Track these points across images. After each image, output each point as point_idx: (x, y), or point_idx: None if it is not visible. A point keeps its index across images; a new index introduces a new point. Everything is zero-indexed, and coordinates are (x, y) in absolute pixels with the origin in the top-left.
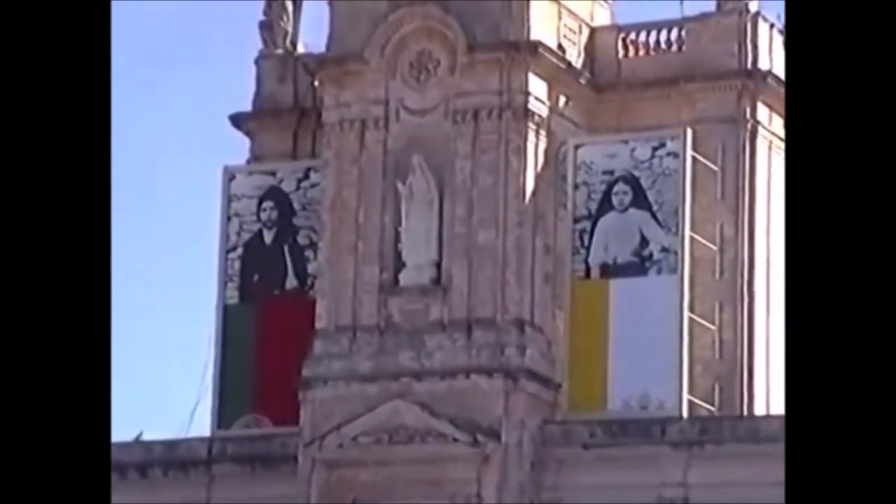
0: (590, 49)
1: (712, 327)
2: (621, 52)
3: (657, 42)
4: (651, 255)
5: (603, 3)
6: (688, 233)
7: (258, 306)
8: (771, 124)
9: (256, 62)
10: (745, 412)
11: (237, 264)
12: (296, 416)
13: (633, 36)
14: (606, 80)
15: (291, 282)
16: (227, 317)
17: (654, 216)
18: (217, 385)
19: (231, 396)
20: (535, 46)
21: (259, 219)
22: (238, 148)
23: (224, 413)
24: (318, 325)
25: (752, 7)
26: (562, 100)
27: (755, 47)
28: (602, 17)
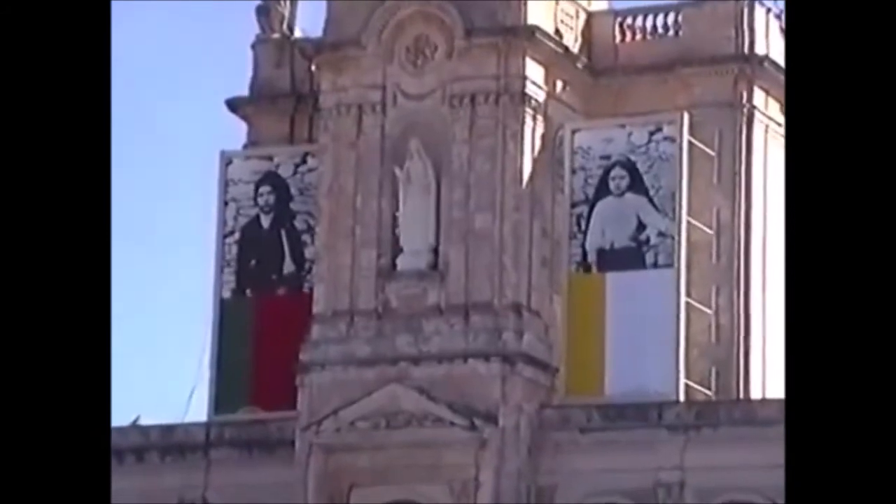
0: (587, 34)
1: (709, 311)
2: (618, 37)
3: (654, 27)
4: (648, 239)
5: None
6: (684, 217)
7: (256, 294)
8: (767, 109)
9: (253, 47)
10: (742, 396)
11: (234, 249)
12: (293, 402)
13: (629, 21)
14: (603, 64)
15: (289, 267)
16: (225, 303)
17: (650, 201)
18: (214, 370)
19: (229, 381)
20: (532, 31)
21: (256, 204)
22: (235, 133)
23: (221, 398)
24: (316, 309)
25: None
26: (559, 85)
27: (752, 32)
28: (599, 2)
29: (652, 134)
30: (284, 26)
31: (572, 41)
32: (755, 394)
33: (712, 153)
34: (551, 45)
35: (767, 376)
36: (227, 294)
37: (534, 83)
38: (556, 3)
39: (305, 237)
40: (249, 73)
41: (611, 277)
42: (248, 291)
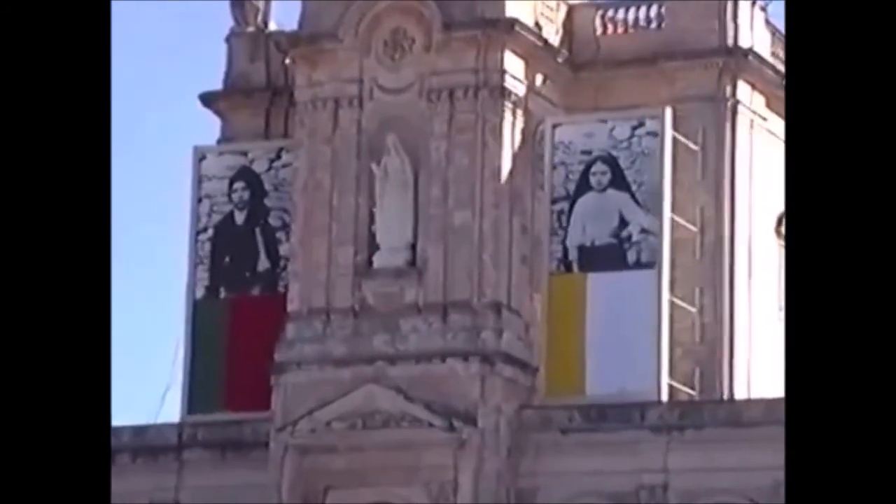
0: (567, 26)
1: (692, 310)
2: (599, 30)
3: (636, 19)
4: (630, 236)
5: None
6: (668, 214)
7: (229, 292)
8: (752, 103)
9: (227, 40)
10: (726, 396)
11: (208, 246)
12: (267, 402)
13: (611, 13)
14: (584, 58)
15: (263, 264)
16: (198, 301)
17: (633, 197)
18: (188, 369)
19: (202, 381)
20: (512, 24)
21: (230, 200)
22: (209, 128)
23: (195, 398)
24: (291, 308)
25: None
26: (539, 78)
27: (736, 25)
28: None
29: (634, 128)
30: (259, 19)
31: (553, 34)
32: (740, 394)
33: (696, 148)
34: (531, 38)
35: (752, 376)
36: (200, 292)
37: (513, 77)
38: None
39: (280, 234)
40: (223, 67)
41: (592, 277)
42: (221, 289)
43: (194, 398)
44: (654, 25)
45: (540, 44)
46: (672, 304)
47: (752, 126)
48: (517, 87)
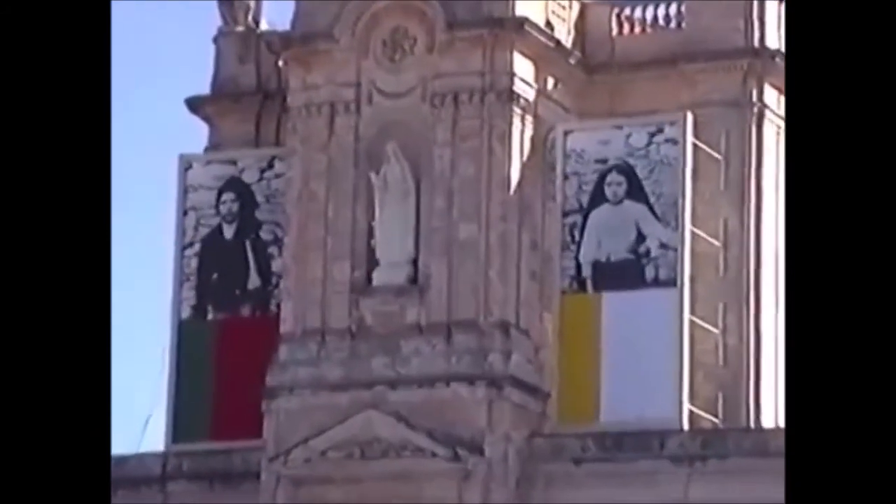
0: (580, 26)
1: (715, 331)
2: (615, 30)
3: (654, 18)
4: (648, 251)
5: None
6: (688, 227)
7: (218, 312)
8: (779, 108)
9: (215, 41)
10: (752, 424)
11: (194, 262)
12: (258, 430)
13: (628, 12)
14: (599, 60)
15: (254, 281)
16: (184, 321)
17: (651, 209)
18: (172, 395)
19: (188, 408)
20: (521, 23)
21: (218, 212)
22: (195, 135)
23: (180, 426)
24: (284, 328)
25: None
26: (550, 82)
27: (762, 24)
28: None
29: (652, 135)
30: (249, 18)
31: (565, 34)
32: (767, 421)
33: (719, 156)
34: (542, 38)
35: (780, 402)
36: (186, 312)
37: (522, 80)
38: None
39: (272, 249)
40: (211, 70)
41: (607, 295)
42: (209, 308)
43: (179, 426)
44: (673, 24)
45: (551, 44)
46: (693, 325)
47: (778, 133)
48: (526, 91)
